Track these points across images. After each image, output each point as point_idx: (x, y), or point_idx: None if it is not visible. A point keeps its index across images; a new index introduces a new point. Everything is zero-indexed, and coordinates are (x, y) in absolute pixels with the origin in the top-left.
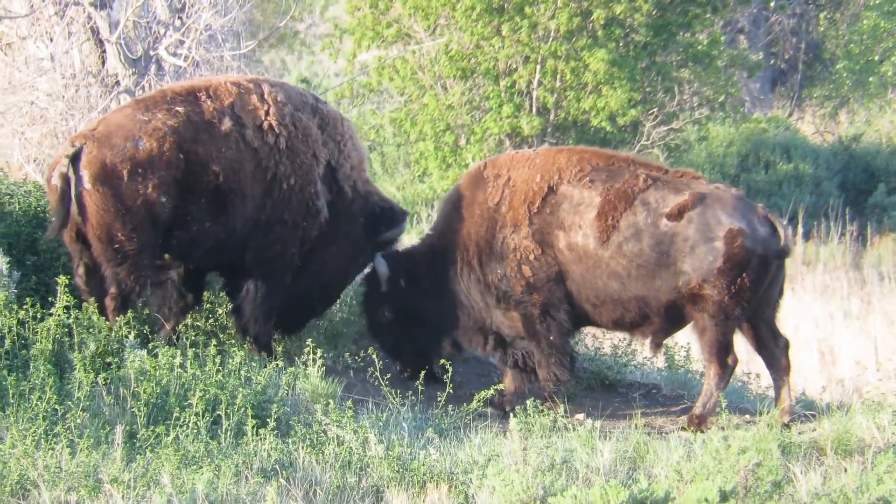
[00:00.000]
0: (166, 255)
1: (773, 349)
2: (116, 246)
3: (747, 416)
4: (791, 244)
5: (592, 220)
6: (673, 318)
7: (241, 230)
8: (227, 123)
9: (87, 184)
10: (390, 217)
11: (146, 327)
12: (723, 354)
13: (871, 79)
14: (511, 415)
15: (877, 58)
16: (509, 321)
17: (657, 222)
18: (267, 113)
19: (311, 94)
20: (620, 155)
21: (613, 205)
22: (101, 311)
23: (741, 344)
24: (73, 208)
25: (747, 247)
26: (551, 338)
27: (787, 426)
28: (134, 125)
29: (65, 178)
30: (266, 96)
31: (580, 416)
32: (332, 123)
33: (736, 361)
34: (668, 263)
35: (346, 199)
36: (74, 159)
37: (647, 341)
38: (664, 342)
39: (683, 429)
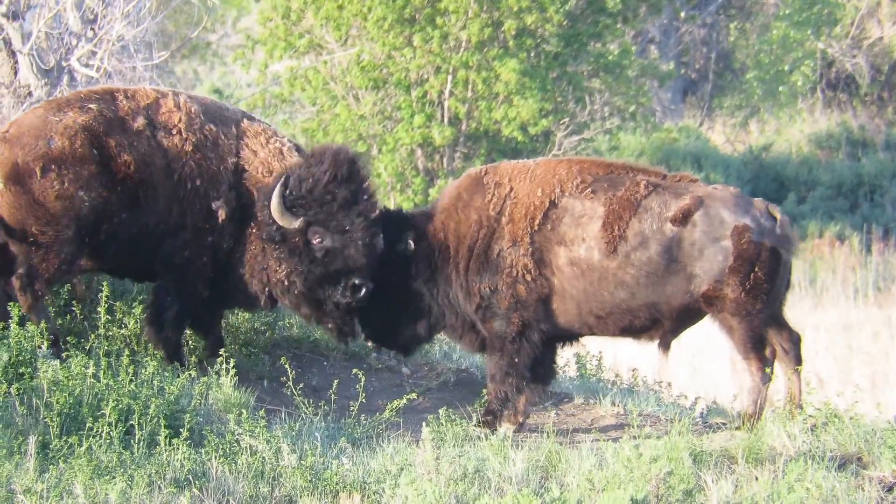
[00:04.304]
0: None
1: (783, 343)
2: (31, 240)
3: (659, 425)
4: (790, 233)
5: (597, 232)
6: (683, 318)
7: (152, 229)
8: (140, 121)
9: None
10: None
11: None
12: (758, 348)
13: (780, 88)
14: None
15: (786, 67)
16: (485, 331)
17: (662, 228)
18: (179, 119)
19: (242, 111)
20: (618, 162)
21: (618, 214)
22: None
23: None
24: None
25: (755, 241)
26: (516, 359)
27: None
28: (45, 125)
29: None
30: (181, 105)
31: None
32: (251, 135)
33: (774, 353)
34: (677, 269)
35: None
36: None
37: (656, 344)
38: (671, 343)
39: (738, 428)
